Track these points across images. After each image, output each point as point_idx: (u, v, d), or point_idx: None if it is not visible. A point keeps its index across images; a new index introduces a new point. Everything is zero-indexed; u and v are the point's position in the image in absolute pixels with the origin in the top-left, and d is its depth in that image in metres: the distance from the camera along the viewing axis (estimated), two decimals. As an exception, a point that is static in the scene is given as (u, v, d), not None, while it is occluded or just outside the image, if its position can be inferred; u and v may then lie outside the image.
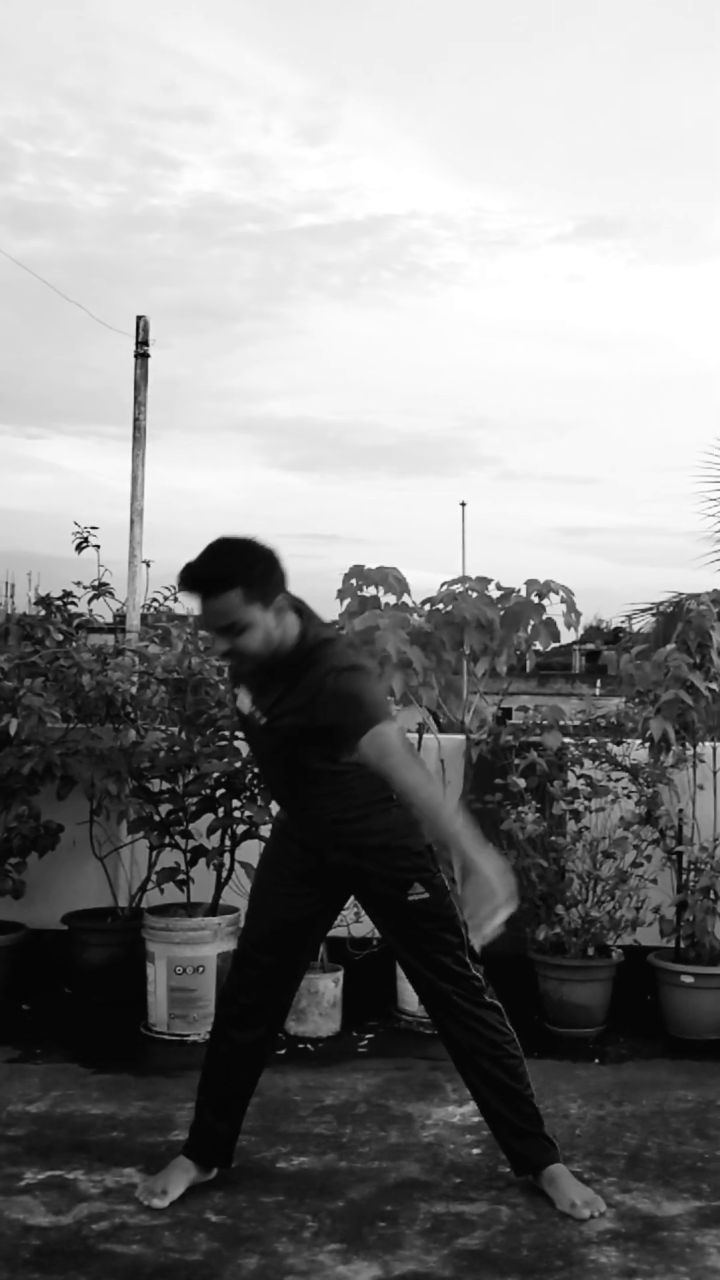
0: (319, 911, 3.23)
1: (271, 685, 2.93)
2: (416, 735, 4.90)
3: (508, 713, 5.30)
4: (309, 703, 2.82)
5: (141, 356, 5.73)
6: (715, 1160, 3.36)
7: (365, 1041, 4.44)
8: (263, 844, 4.63)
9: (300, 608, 2.94)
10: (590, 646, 36.97)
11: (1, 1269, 2.70)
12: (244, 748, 4.64)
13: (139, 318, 5.74)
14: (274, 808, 3.55)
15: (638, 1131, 3.57)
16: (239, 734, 4.67)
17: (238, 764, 4.54)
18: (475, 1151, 3.39)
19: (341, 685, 2.78)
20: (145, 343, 5.77)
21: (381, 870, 3.08)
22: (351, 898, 3.30)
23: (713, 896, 4.57)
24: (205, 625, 2.90)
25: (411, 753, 2.76)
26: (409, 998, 4.62)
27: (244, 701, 3.04)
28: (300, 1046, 4.36)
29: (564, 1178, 3.09)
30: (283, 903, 3.17)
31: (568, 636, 5.20)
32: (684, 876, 4.67)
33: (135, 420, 5.71)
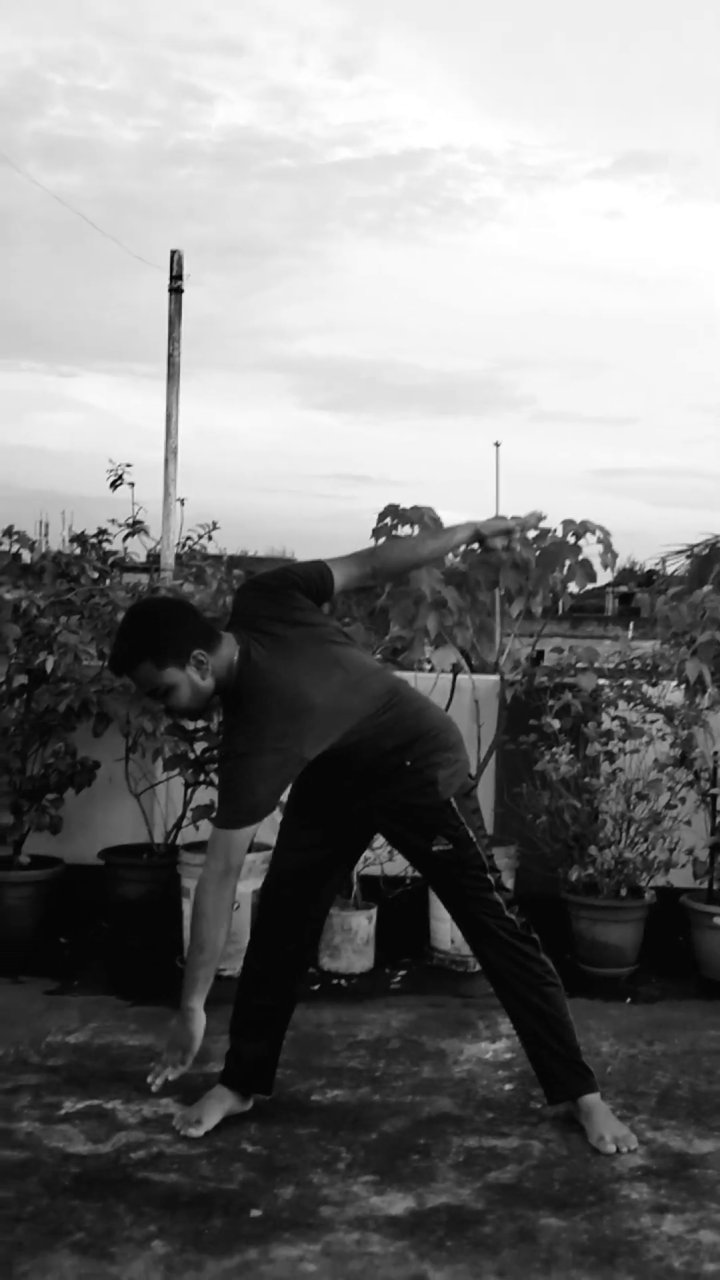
0: (343, 849, 3.30)
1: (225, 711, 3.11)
2: (451, 675, 4.89)
3: (541, 655, 5.27)
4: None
5: (175, 291, 5.67)
6: (746, 1099, 3.38)
7: (399, 978, 4.48)
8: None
9: (251, 638, 2.98)
10: (624, 589, 36.77)
11: (42, 1195, 2.76)
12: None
13: (173, 252, 5.68)
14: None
15: (669, 1070, 3.59)
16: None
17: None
18: (508, 1087, 3.43)
19: (221, 768, 3.03)
20: (179, 277, 5.70)
21: (404, 823, 3.14)
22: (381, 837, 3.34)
23: (747, 839, 4.56)
24: (139, 690, 3.11)
25: (225, 872, 2.90)
26: (442, 935, 4.65)
27: None
28: (334, 982, 4.41)
29: (599, 1111, 3.13)
30: (307, 839, 3.23)
31: (603, 578, 5.15)
32: (717, 818, 4.66)
33: (169, 356, 5.66)
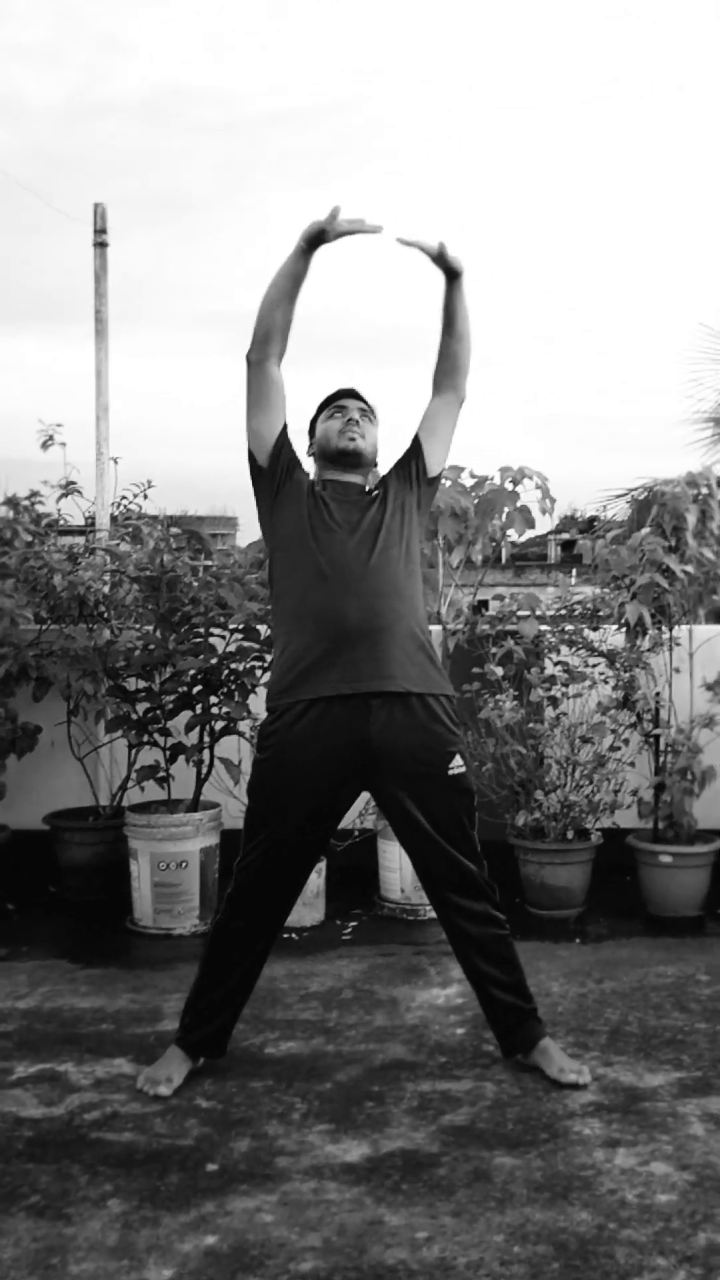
0: (328, 830, 3.15)
1: (365, 496, 3.21)
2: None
3: (483, 604, 5.28)
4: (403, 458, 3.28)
5: (100, 246, 5.56)
6: (695, 1032, 3.43)
7: (349, 930, 4.49)
8: (241, 740, 4.65)
9: None
10: (565, 536, 36.88)
11: (-4, 1160, 2.74)
12: (219, 644, 4.62)
13: (96, 205, 5.55)
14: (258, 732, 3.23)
15: (619, 1007, 3.64)
16: (215, 630, 4.63)
17: (214, 660, 4.52)
18: (459, 1032, 3.45)
19: None
20: (103, 231, 5.59)
21: (424, 739, 3.02)
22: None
23: (690, 777, 4.61)
24: (350, 403, 3.29)
25: None
26: (392, 885, 4.67)
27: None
28: (285, 936, 4.41)
29: (555, 1049, 3.16)
30: (297, 837, 3.06)
31: (543, 524, 5.15)
32: (661, 759, 4.71)
33: (97, 313, 5.55)
